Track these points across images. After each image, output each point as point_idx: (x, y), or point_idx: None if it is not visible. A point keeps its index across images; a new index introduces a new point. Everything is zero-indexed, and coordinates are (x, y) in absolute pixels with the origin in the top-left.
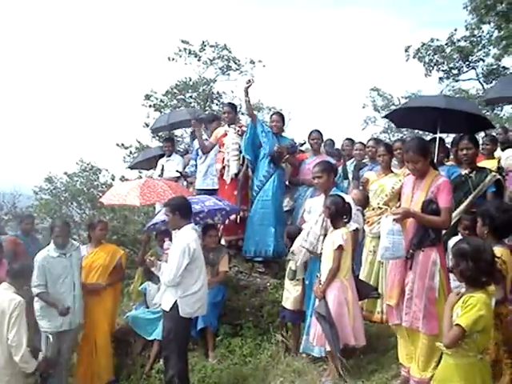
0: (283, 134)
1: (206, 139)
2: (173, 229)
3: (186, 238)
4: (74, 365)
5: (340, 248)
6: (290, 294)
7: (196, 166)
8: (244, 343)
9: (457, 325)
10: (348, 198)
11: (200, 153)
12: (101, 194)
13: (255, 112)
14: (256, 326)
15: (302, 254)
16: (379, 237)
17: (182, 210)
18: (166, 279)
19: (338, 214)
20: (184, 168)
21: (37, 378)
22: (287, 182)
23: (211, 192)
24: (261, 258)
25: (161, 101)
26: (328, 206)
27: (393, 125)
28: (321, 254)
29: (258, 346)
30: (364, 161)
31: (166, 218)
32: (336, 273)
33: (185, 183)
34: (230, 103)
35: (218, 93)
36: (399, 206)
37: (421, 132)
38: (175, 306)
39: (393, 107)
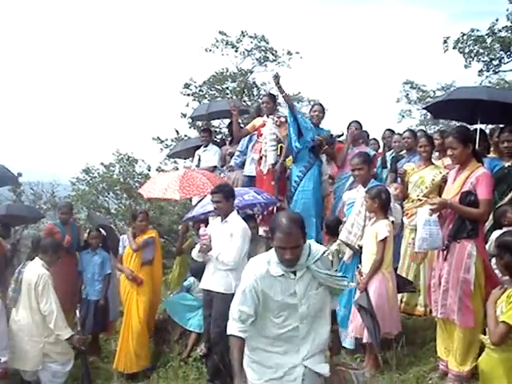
0: (320, 126)
1: (242, 127)
2: (222, 214)
3: (242, 222)
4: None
5: (385, 239)
6: None
7: (243, 154)
8: None
9: (503, 322)
10: (389, 190)
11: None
12: (137, 185)
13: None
14: None
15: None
16: None
17: (235, 197)
18: (229, 260)
19: (384, 204)
20: (221, 159)
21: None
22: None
23: None
24: None
25: (200, 90)
26: (375, 197)
27: (429, 117)
28: (360, 246)
29: None
30: (401, 153)
31: (218, 205)
32: (380, 265)
33: (222, 174)
34: (269, 93)
35: (255, 83)
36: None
37: (458, 124)
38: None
39: (429, 99)
